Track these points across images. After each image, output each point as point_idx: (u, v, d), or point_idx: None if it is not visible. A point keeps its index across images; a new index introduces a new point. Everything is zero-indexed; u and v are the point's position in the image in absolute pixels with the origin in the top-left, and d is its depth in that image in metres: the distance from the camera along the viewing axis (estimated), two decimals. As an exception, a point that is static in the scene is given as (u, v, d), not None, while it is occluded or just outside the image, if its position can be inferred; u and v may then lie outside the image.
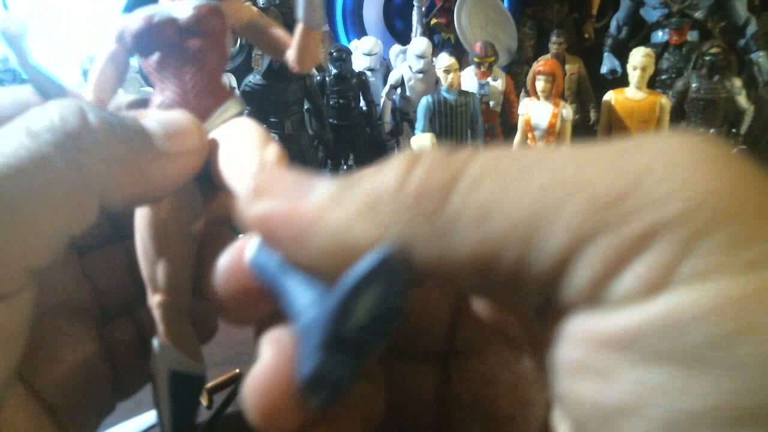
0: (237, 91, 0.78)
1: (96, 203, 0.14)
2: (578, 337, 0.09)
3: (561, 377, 0.09)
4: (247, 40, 0.22)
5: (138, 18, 0.19)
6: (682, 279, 0.08)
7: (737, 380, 0.07)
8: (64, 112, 0.14)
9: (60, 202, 0.13)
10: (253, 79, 0.75)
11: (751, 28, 0.79)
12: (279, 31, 0.22)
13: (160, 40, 0.18)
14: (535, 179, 0.09)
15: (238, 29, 0.21)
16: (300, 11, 0.20)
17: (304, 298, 0.11)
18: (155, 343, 0.19)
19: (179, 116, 0.17)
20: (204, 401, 0.42)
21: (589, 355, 0.09)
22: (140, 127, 0.15)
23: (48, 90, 0.18)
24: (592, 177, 0.09)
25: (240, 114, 0.20)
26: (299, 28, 0.20)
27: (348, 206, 0.10)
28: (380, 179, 0.10)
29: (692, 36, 0.80)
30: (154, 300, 0.19)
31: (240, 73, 0.82)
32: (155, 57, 0.19)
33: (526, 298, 0.10)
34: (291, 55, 0.21)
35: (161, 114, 0.17)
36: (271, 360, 0.11)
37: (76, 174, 0.14)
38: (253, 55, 0.87)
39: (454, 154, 0.10)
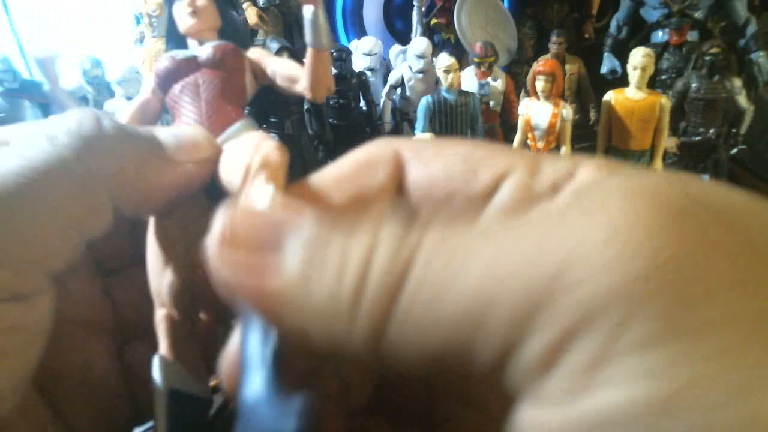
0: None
1: (110, 206, 0.15)
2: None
3: None
4: (268, 84, 0.23)
5: (165, 58, 0.20)
6: (609, 377, 0.08)
7: None
8: (81, 118, 0.15)
9: (76, 203, 0.14)
10: (254, 79, 0.75)
11: (751, 28, 0.79)
12: (292, 65, 0.23)
13: (181, 74, 0.20)
14: (472, 267, 0.09)
15: (259, 74, 0.23)
16: (307, 35, 0.21)
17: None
18: (156, 358, 0.18)
19: (192, 129, 0.17)
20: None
21: None
22: (153, 135, 0.16)
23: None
24: (524, 261, 0.09)
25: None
26: (309, 53, 0.21)
27: (312, 301, 0.10)
28: (338, 278, 0.10)
29: (692, 36, 0.80)
30: (159, 314, 0.19)
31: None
32: (176, 89, 0.20)
33: (472, 387, 0.10)
34: (302, 84, 0.22)
35: (175, 128, 0.17)
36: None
37: (91, 176, 0.14)
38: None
39: (398, 255, 0.10)
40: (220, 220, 0.11)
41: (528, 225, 0.10)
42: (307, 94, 0.21)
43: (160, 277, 0.19)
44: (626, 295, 0.08)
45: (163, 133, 0.16)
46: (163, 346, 0.19)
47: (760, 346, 0.08)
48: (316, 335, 0.10)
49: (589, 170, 0.12)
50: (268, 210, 0.11)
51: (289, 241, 0.11)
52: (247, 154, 0.17)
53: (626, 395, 0.08)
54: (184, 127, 0.17)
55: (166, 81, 0.21)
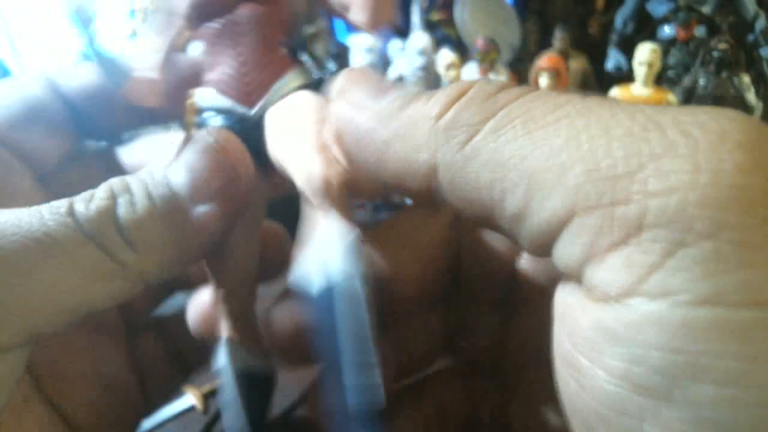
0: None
1: (137, 283, 0.13)
2: (563, 320, 0.10)
3: (557, 364, 0.10)
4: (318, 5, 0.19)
5: None
6: (651, 289, 0.08)
7: (686, 422, 0.08)
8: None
9: (74, 273, 0.12)
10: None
11: (760, 24, 0.77)
12: None
13: (214, 8, 0.17)
14: (551, 139, 0.09)
15: None
16: None
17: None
18: (222, 341, 0.17)
19: (207, 155, 0.15)
20: (199, 406, 0.41)
21: (571, 345, 0.09)
22: (169, 192, 0.14)
23: (113, 73, 0.17)
24: (603, 148, 0.09)
25: (303, 87, 0.18)
26: None
27: (393, 125, 0.11)
28: (425, 108, 0.11)
29: (700, 31, 0.78)
30: (219, 294, 0.17)
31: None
32: (208, 28, 0.17)
33: (527, 248, 0.11)
34: (357, 13, 0.18)
35: (187, 158, 0.15)
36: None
37: (108, 260, 0.13)
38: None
39: (493, 95, 0.11)
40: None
41: (625, 110, 0.09)
42: (362, 22, 0.18)
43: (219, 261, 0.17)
44: (705, 212, 0.08)
45: (175, 174, 0.14)
46: (226, 328, 0.18)
47: None
48: (395, 156, 0.11)
49: None
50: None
51: (389, 93, 0.12)
52: (307, 132, 0.15)
53: (676, 312, 0.08)
54: (196, 154, 0.14)
55: (192, 14, 0.18)
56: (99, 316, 0.18)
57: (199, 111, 0.18)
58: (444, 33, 0.97)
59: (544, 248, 0.10)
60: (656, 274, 0.08)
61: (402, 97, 0.12)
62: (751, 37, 0.78)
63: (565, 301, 0.10)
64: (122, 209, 0.13)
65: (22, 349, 0.13)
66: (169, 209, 0.13)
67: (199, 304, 0.16)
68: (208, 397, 0.42)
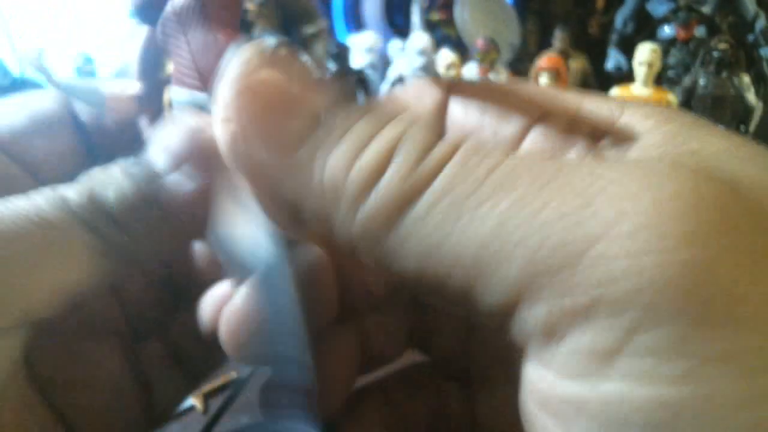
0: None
1: (132, 263, 0.14)
2: (530, 388, 0.09)
3: (526, 412, 0.10)
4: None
5: None
6: (617, 372, 0.08)
7: None
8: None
9: (76, 260, 0.13)
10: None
11: (761, 23, 0.77)
12: None
13: (156, 3, 0.17)
14: (481, 225, 0.09)
15: None
16: None
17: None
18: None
19: (179, 135, 0.14)
20: (199, 406, 0.41)
21: (540, 407, 0.09)
22: (151, 172, 0.14)
23: (86, 98, 0.18)
24: (538, 236, 0.08)
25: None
26: None
27: (304, 188, 0.10)
28: (344, 183, 0.10)
29: (700, 31, 0.78)
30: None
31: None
32: (159, 23, 0.17)
33: (483, 321, 0.10)
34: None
35: (166, 135, 0.15)
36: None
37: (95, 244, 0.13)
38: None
39: (419, 162, 0.09)
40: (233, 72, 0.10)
41: (559, 180, 0.09)
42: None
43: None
44: (654, 297, 0.08)
45: (155, 155, 0.14)
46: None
47: None
48: (312, 212, 0.10)
49: (636, 118, 0.11)
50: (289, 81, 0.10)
51: (308, 113, 0.10)
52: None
53: (645, 394, 0.08)
54: (172, 134, 0.14)
55: (146, 16, 0.17)
56: (104, 322, 0.18)
57: (171, 106, 0.18)
58: (444, 33, 0.97)
59: (495, 326, 0.09)
60: (618, 358, 0.08)
61: (315, 144, 0.10)
62: (751, 37, 0.78)
63: (529, 368, 0.09)
64: (108, 192, 0.13)
65: (17, 332, 0.13)
66: (152, 189, 0.13)
67: (214, 297, 0.15)
68: (208, 397, 0.42)
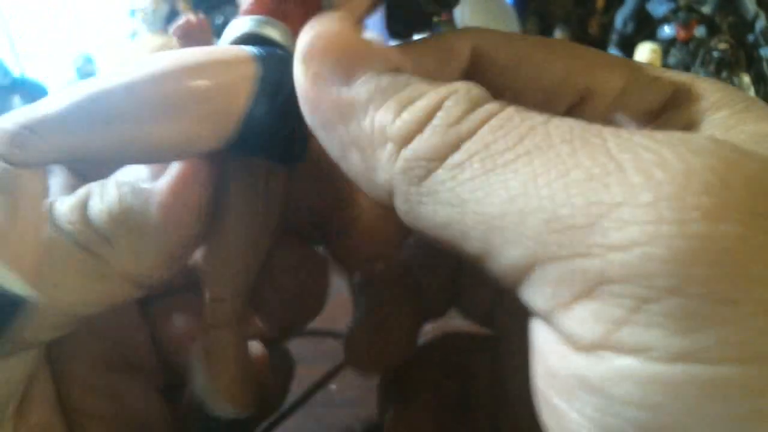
0: None
1: (126, 283, 0.13)
2: (537, 359, 0.09)
3: (535, 396, 0.10)
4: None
5: None
6: (622, 343, 0.08)
7: None
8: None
9: (72, 279, 0.12)
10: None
11: (761, 24, 0.77)
12: None
13: None
14: (508, 181, 0.09)
15: None
16: None
17: None
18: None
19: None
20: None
21: (547, 383, 0.09)
22: (137, 185, 0.13)
23: None
24: (561, 195, 0.08)
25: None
26: None
27: (353, 131, 0.11)
28: (389, 127, 0.10)
29: (700, 31, 0.78)
30: (205, 297, 0.16)
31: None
32: None
33: (496, 284, 0.10)
34: None
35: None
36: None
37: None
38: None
39: (460, 119, 0.10)
40: (304, 38, 0.11)
41: (595, 145, 0.09)
42: None
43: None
44: (666, 267, 0.07)
45: (139, 168, 0.14)
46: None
47: None
48: (360, 156, 0.11)
49: (704, 91, 0.11)
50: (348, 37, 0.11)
51: (366, 69, 0.11)
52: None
53: (646, 368, 0.08)
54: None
55: None
56: (137, 358, 0.17)
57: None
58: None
59: (510, 288, 0.10)
60: (625, 329, 0.08)
61: (370, 91, 0.11)
62: (751, 37, 0.78)
63: (539, 336, 0.09)
64: (92, 202, 0.13)
65: (26, 353, 0.13)
66: (137, 200, 0.13)
67: None
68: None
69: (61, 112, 0.11)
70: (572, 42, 0.14)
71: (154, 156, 0.13)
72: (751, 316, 0.07)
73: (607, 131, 0.09)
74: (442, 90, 0.10)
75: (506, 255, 0.09)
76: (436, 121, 0.10)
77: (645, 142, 0.09)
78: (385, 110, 0.10)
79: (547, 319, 0.09)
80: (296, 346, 0.51)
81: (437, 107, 0.10)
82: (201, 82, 0.11)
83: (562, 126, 0.09)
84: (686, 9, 0.79)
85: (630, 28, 0.87)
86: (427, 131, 0.10)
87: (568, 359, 0.08)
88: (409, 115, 0.10)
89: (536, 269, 0.09)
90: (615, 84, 0.13)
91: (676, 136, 0.09)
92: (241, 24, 0.14)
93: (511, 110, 0.10)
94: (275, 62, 0.13)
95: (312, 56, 0.11)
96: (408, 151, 0.10)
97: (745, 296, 0.07)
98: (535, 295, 0.09)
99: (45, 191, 0.13)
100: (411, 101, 0.10)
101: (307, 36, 0.11)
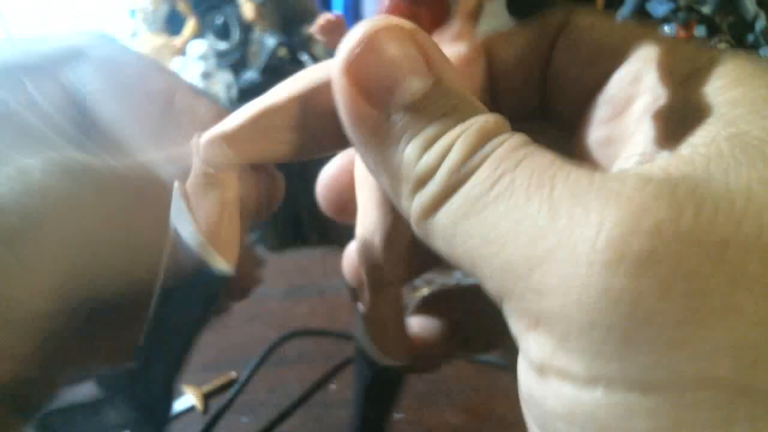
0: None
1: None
2: (518, 376, 0.11)
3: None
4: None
5: None
6: (555, 368, 0.10)
7: None
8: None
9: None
10: (251, 75, 0.73)
11: (761, 24, 0.77)
12: None
13: None
14: (478, 227, 0.10)
15: None
16: None
17: None
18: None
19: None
20: (199, 406, 0.41)
21: (522, 402, 0.11)
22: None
23: None
24: (513, 242, 0.10)
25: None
26: None
27: (385, 157, 0.12)
28: (412, 165, 0.11)
29: (700, 31, 0.78)
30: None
31: (236, 69, 0.81)
32: None
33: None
34: None
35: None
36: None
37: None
38: (250, 50, 0.86)
39: (468, 157, 0.11)
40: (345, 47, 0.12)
41: (555, 190, 0.10)
42: None
43: None
44: (578, 316, 0.09)
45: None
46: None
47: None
48: (389, 182, 0.12)
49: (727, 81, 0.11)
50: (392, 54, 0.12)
51: (398, 95, 0.12)
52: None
53: (567, 395, 0.09)
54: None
55: None
56: None
57: None
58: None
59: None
60: (557, 356, 0.09)
61: (406, 122, 0.11)
62: (751, 37, 0.78)
63: (519, 359, 0.11)
64: None
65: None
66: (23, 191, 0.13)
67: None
68: (208, 397, 0.42)
69: (241, 126, 0.14)
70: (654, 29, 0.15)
71: (316, 155, 0.15)
72: (645, 353, 0.08)
73: (560, 177, 0.10)
74: (457, 130, 0.11)
75: (486, 288, 0.11)
76: (444, 165, 0.11)
77: (581, 192, 0.10)
78: (411, 148, 0.11)
79: (517, 342, 0.11)
80: (296, 346, 0.51)
81: (450, 147, 0.11)
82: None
83: (525, 171, 0.10)
84: (686, 9, 0.79)
85: (630, 28, 0.87)
86: (437, 176, 0.11)
87: (528, 379, 0.10)
88: (428, 158, 0.11)
89: (503, 301, 0.10)
90: (650, 54, 0.14)
91: (610, 184, 0.10)
92: None
93: (498, 154, 0.11)
94: None
95: (352, 69, 0.12)
96: (420, 197, 0.11)
97: (639, 335, 0.09)
98: (509, 320, 0.11)
99: (240, 187, 0.15)
100: (436, 138, 0.11)
101: (350, 44, 0.12)
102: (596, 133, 0.15)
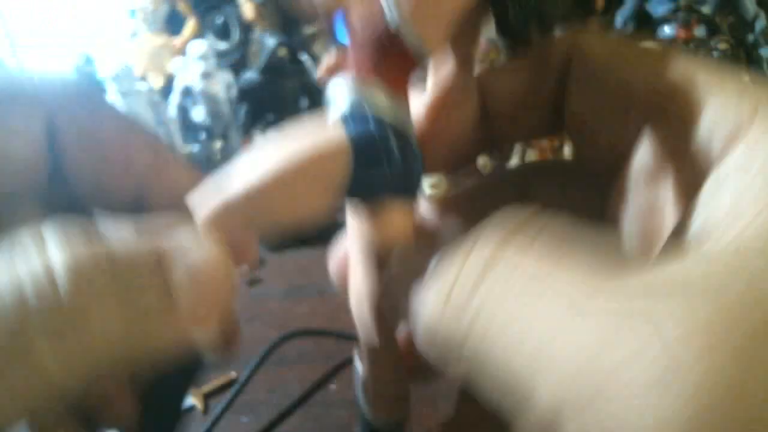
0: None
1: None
2: None
3: None
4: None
5: None
6: None
7: None
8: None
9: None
10: (250, 75, 0.73)
11: (761, 23, 0.77)
12: None
13: None
14: (526, 338, 0.10)
15: None
16: None
17: None
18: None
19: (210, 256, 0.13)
20: (199, 406, 0.41)
21: None
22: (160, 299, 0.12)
23: None
24: (572, 355, 0.09)
25: None
26: None
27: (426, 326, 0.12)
28: (447, 284, 0.12)
29: (700, 31, 0.78)
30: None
31: (236, 69, 0.81)
32: None
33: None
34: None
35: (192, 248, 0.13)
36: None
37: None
38: (250, 50, 0.86)
39: (479, 280, 0.11)
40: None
41: (593, 303, 0.09)
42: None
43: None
44: None
45: (178, 273, 0.13)
46: None
47: None
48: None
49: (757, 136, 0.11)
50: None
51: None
52: None
53: None
54: (199, 251, 0.13)
55: None
56: None
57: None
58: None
59: None
60: None
61: (420, 295, 0.12)
62: (751, 37, 0.78)
63: None
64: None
65: None
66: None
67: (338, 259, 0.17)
68: (208, 397, 0.42)
69: (220, 208, 0.13)
70: (668, 49, 0.14)
71: (295, 225, 0.14)
72: None
73: (604, 283, 0.09)
74: (454, 271, 0.11)
75: (527, 410, 0.10)
76: (457, 291, 0.11)
77: (638, 302, 0.09)
78: (424, 312, 0.12)
79: None
80: (296, 346, 0.51)
81: (461, 267, 0.11)
82: (308, 173, 0.13)
83: (492, 319, 0.10)
84: (686, 9, 0.79)
85: (630, 28, 0.87)
86: (447, 313, 0.11)
87: None
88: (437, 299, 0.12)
89: (554, 426, 0.09)
90: (691, 109, 0.13)
91: (669, 286, 0.09)
92: (343, 94, 0.15)
93: (495, 277, 0.11)
94: (368, 139, 0.14)
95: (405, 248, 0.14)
96: (442, 331, 0.12)
97: None
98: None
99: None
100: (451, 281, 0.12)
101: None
102: (637, 199, 0.14)
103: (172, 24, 0.88)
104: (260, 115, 0.73)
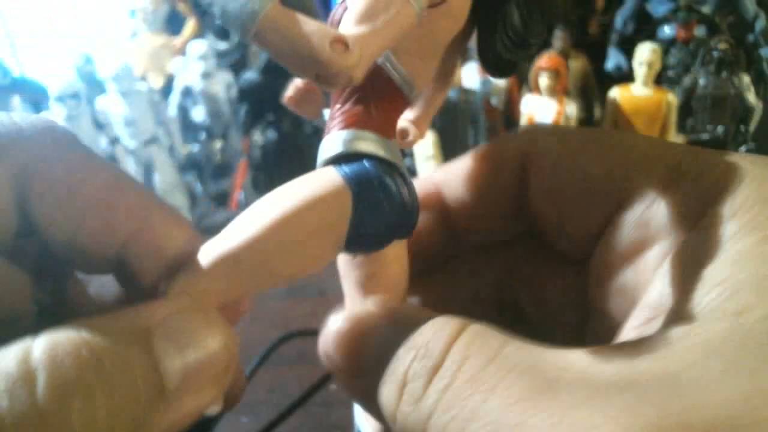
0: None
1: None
2: None
3: None
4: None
5: None
6: None
7: None
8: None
9: None
10: (250, 75, 0.73)
11: (760, 23, 0.77)
12: None
13: None
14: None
15: None
16: None
17: None
18: None
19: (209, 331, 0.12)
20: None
21: None
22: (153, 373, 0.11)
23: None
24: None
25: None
26: None
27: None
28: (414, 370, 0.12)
29: (700, 31, 0.78)
30: None
31: (236, 69, 0.81)
32: None
33: None
34: None
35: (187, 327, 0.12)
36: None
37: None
38: (250, 50, 0.86)
39: (431, 383, 0.12)
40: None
41: (543, 398, 0.10)
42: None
43: None
44: None
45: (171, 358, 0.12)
46: None
47: None
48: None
49: (721, 218, 0.11)
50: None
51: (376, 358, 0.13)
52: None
53: None
54: (195, 328, 0.12)
55: None
56: None
57: None
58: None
59: None
60: None
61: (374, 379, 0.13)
62: (751, 37, 0.78)
63: None
64: None
65: None
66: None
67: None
68: (208, 397, 0.42)
69: (210, 271, 0.13)
70: (623, 134, 0.15)
71: (283, 283, 0.14)
72: None
73: (553, 382, 0.10)
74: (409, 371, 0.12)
75: None
76: (403, 406, 0.12)
77: (574, 413, 0.10)
78: (383, 396, 0.13)
79: None
80: (296, 347, 0.51)
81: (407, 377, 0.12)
82: (308, 226, 0.13)
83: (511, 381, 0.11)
84: (686, 9, 0.79)
85: (630, 28, 0.87)
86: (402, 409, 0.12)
87: None
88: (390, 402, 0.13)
89: None
90: (651, 189, 0.13)
91: (602, 395, 0.10)
92: (334, 144, 0.14)
93: (463, 376, 0.11)
94: (364, 179, 0.14)
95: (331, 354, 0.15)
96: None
97: None
98: None
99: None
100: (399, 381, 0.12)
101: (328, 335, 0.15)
102: (609, 283, 0.14)
103: (172, 24, 0.88)
104: (260, 115, 0.73)
